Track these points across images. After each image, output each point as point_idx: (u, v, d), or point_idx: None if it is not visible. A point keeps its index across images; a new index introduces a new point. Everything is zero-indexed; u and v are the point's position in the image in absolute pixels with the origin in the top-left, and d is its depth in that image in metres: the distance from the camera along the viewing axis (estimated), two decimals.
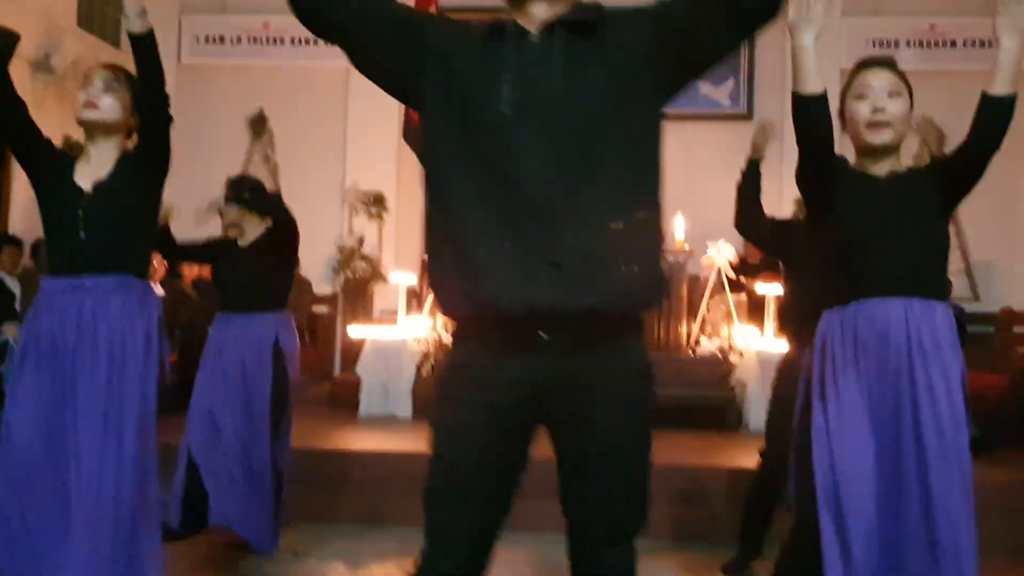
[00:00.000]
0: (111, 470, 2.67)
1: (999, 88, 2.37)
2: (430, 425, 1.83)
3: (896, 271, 2.40)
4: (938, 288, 2.47)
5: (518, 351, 1.72)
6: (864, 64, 2.54)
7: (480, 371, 1.76)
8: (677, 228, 6.96)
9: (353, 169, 8.99)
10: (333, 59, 9.98)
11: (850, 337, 2.41)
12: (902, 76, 2.51)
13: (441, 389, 1.84)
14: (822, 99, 2.35)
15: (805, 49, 2.34)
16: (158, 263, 7.15)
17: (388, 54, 1.82)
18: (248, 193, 4.16)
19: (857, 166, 2.54)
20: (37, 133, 2.88)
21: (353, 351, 7.39)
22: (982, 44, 8.77)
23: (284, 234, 4.08)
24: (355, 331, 7.28)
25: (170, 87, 9.86)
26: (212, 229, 9.13)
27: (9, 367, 4.75)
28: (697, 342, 6.49)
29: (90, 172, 2.87)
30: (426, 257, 1.86)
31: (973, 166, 2.45)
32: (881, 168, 2.49)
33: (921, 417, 2.34)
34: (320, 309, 8.99)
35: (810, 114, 2.36)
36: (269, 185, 9.29)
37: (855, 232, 2.43)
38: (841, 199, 2.45)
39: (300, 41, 9.32)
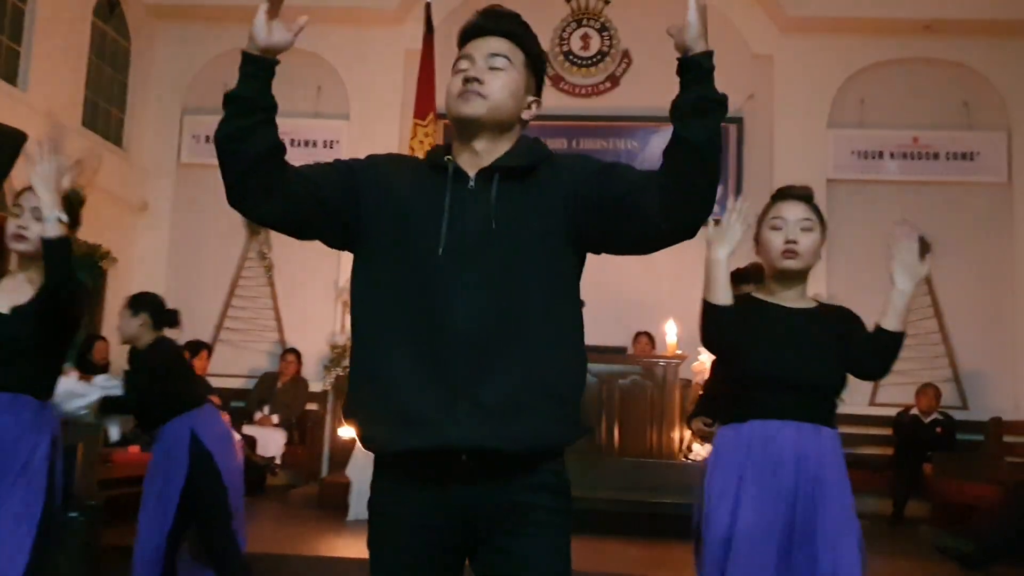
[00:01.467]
0: None
1: (891, 324, 2.64)
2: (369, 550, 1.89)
3: (791, 399, 2.58)
4: (827, 415, 2.65)
5: (439, 481, 1.78)
6: (780, 195, 2.76)
7: (404, 500, 1.82)
8: (669, 333, 7.01)
9: (347, 267, 8.94)
10: (331, 159, 10.19)
11: (743, 453, 2.60)
12: (816, 210, 2.72)
13: (370, 517, 1.89)
14: (729, 310, 2.62)
15: (719, 263, 2.65)
16: None
17: (331, 211, 1.84)
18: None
19: (766, 292, 2.75)
20: None
21: (342, 451, 7.34)
22: (964, 156, 9.01)
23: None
24: (346, 432, 7.24)
25: (170, 186, 10.03)
26: (203, 324, 9.16)
27: None
28: (690, 448, 6.47)
29: (8, 297, 2.91)
30: (348, 390, 1.89)
31: (857, 368, 2.67)
32: (790, 297, 2.70)
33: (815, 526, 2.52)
34: (311, 407, 8.95)
35: (720, 322, 2.64)
36: (264, 282, 9.40)
37: (757, 363, 2.62)
38: (747, 338, 2.64)
39: (300, 143, 9.50)
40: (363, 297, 1.86)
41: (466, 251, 1.77)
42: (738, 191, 9.05)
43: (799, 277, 2.69)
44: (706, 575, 2.59)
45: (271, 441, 8.11)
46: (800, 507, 2.52)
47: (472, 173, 1.84)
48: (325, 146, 9.48)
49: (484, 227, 1.78)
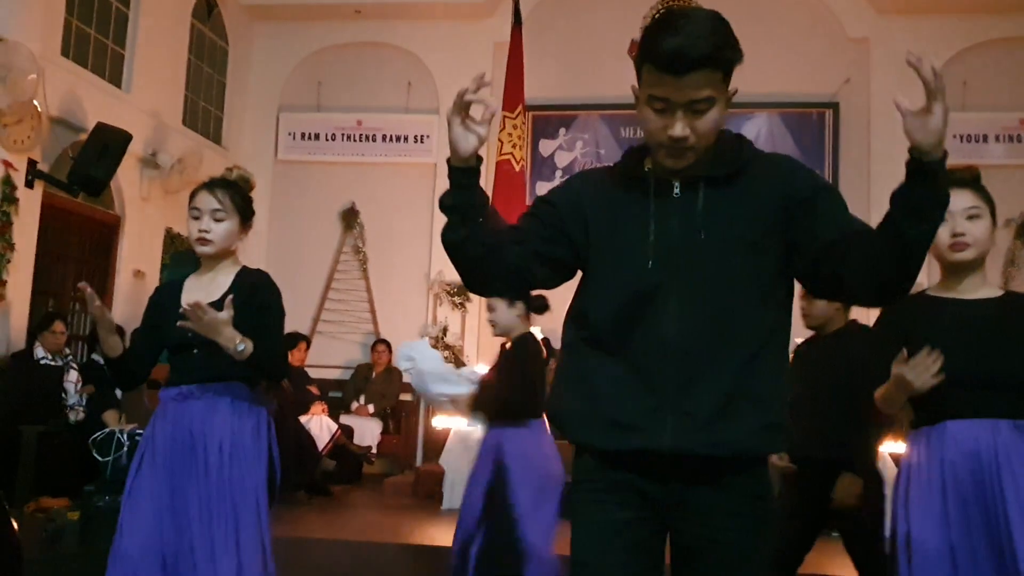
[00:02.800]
0: (230, 568, 2.76)
1: None
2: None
3: (980, 397, 2.39)
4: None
5: (652, 479, 1.81)
6: None
7: (612, 484, 1.84)
8: None
9: (439, 260, 9.16)
10: (421, 155, 10.35)
11: (936, 460, 2.41)
12: (984, 193, 2.53)
13: (572, 503, 1.93)
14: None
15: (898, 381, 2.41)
16: None
17: (551, 259, 1.91)
18: None
19: (941, 288, 2.57)
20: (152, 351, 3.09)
21: (436, 441, 7.44)
22: None
23: None
24: (439, 422, 7.33)
25: (267, 182, 10.26)
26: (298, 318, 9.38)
27: (117, 455, 4.92)
28: None
29: (203, 292, 2.99)
30: (554, 382, 1.95)
31: None
32: (967, 288, 2.52)
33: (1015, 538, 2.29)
34: (405, 397, 9.08)
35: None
36: (359, 275, 9.57)
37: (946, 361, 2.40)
38: (921, 340, 2.43)
39: (391, 138, 9.66)
40: (582, 309, 1.90)
41: (676, 262, 1.78)
42: (835, 178, 8.85)
43: (973, 267, 2.52)
44: None
45: (367, 431, 8.27)
46: (998, 511, 2.33)
47: (676, 181, 1.82)
48: (416, 141, 9.60)
49: (693, 237, 1.78)
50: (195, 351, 2.92)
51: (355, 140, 9.72)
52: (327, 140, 9.78)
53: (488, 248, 1.84)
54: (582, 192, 1.92)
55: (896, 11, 8.81)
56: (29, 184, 6.58)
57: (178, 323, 2.78)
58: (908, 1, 8.71)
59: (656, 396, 1.76)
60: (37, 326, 6.51)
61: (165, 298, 3.06)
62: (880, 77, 8.89)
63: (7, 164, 6.32)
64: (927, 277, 2.72)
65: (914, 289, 2.62)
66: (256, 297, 2.98)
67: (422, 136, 9.60)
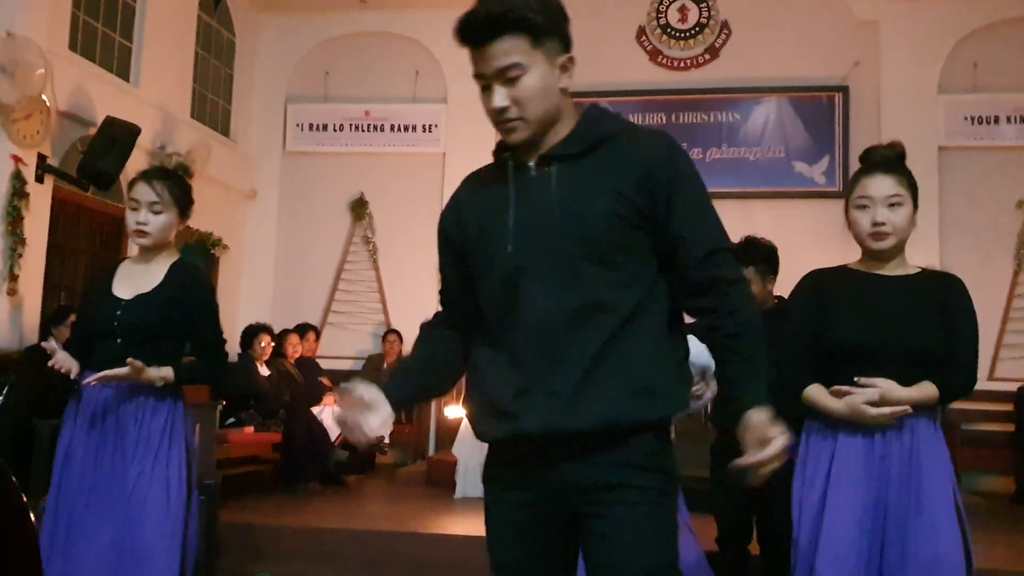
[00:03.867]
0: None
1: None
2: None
3: (889, 370, 2.46)
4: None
5: (526, 466, 1.82)
6: (865, 167, 2.60)
7: (508, 478, 1.88)
8: None
9: None
10: (429, 144, 10.32)
11: (842, 429, 2.51)
12: (906, 178, 2.55)
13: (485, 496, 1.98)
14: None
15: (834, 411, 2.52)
16: (266, 343, 7.38)
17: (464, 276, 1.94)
18: None
19: (862, 263, 2.64)
20: None
21: (448, 430, 7.45)
22: None
23: None
24: (452, 411, 7.34)
25: (276, 173, 10.27)
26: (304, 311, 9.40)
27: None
28: None
29: (135, 282, 3.05)
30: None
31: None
32: (887, 268, 2.59)
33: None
34: None
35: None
36: (369, 265, 9.58)
37: (846, 333, 2.52)
38: (836, 309, 2.56)
39: (399, 128, 9.64)
40: (475, 302, 1.91)
41: (534, 243, 1.77)
42: (845, 163, 8.80)
43: (894, 253, 2.57)
44: (798, 560, 2.52)
45: None
46: (895, 487, 2.43)
47: (531, 161, 1.82)
48: (424, 130, 9.58)
49: (548, 216, 1.77)
50: (118, 340, 2.97)
51: (363, 130, 9.71)
52: (335, 131, 9.77)
53: (453, 373, 1.99)
54: (460, 198, 1.95)
55: None
56: (39, 179, 6.60)
57: (90, 380, 2.88)
58: None
59: (525, 380, 1.75)
60: (51, 320, 6.52)
61: (95, 284, 3.14)
62: (890, 59, 8.83)
63: (17, 159, 6.33)
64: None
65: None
66: (185, 297, 3.04)
67: (430, 125, 9.58)
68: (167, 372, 2.96)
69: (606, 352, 1.73)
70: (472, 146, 9.40)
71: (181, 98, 8.59)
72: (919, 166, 2.77)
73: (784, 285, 6.82)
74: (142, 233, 3.04)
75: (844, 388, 2.46)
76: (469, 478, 6.47)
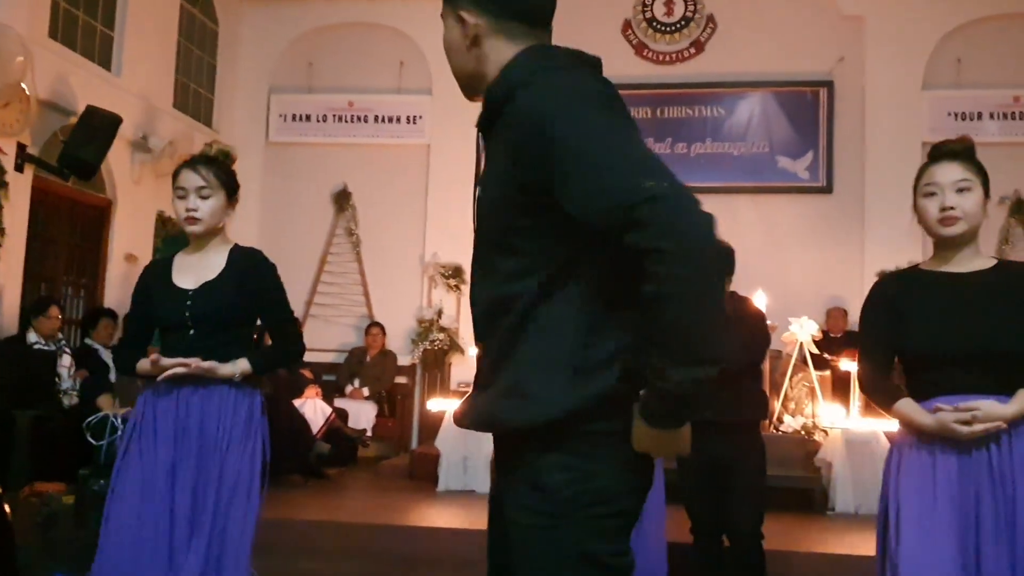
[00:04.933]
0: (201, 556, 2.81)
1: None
2: None
3: (974, 371, 2.36)
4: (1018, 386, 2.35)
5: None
6: (933, 157, 2.52)
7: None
8: (758, 303, 6.89)
9: (433, 242, 9.15)
10: (413, 136, 10.28)
11: (926, 437, 2.41)
12: (976, 165, 2.49)
13: None
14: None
15: (925, 426, 2.40)
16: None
17: None
18: None
19: (933, 261, 2.54)
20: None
21: (431, 423, 7.44)
22: None
23: None
24: (434, 404, 7.33)
25: (258, 164, 10.20)
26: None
27: (111, 439, 4.92)
28: (780, 420, 6.37)
29: (195, 272, 2.99)
30: None
31: None
32: (960, 260, 2.48)
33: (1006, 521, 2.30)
34: (400, 380, 9.08)
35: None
36: (352, 258, 9.54)
37: (923, 340, 2.43)
38: (911, 315, 2.46)
39: (383, 119, 9.60)
40: None
41: (475, 229, 1.71)
42: (829, 157, 8.83)
43: (965, 240, 2.46)
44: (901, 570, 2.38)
45: (362, 414, 8.27)
46: (987, 504, 2.31)
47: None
48: (408, 121, 9.55)
49: (479, 197, 1.69)
50: (190, 331, 2.92)
51: (347, 121, 9.66)
52: (318, 121, 9.72)
53: None
54: None
55: None
56: (19, 168, 6.53)
57: (167, 374, 2.83)
58: None
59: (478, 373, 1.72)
60: (31, 310, 6.47)
61: (153, 278, 3.05)
62: (875, 55, 8.86)
63: None
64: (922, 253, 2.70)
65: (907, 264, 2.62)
66: (252, 281, 2.99)
67: (415, 117, 9.54)
68: (243, 365, 2.91)
69: (506, 346, 1.59)
70: (457, 138, 9.41)
71: (163, 88, 8.52)
72: (903, 162, 2.78)
73: (765, 280, 6.87)
74: (193, 220, 2.97)
75: (942, 407, 2.34)
76: (452, 471, 6.47)
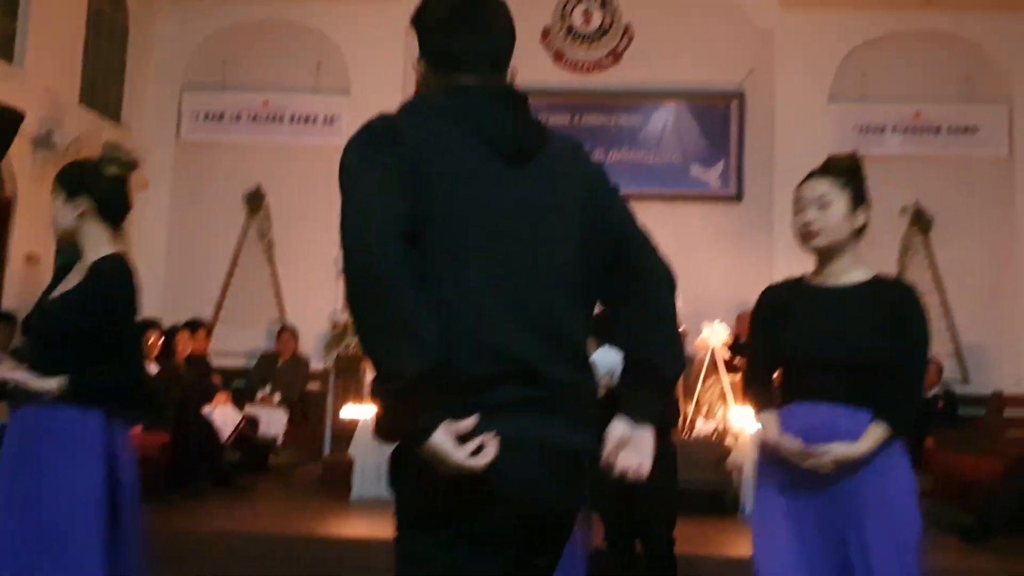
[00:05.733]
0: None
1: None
2: None
3: (830, 379, 2.46)
4: (878, 397, 2.43)
5: None
6: (805, 177, 2.63)
7: None
8: None
9: None
10: (331, 136, 10.15)
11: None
12: (841, 179, 2.54)
13: None
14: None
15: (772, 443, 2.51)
16: (154, 340, 7.15)
17: None
18: None
19: (814, 273, 2.64)
20: None
21: (344, 430, 7.35)
22: (966, 130, 8.97)
23: None
24: (348, 411, 7.24)
25: (169, 163, 9.92)
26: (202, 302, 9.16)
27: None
28: (692, 424, 6.48)
29: (67, 283, 2.84)
30: None
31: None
32: (835, 272, 2.57)
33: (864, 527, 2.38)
34: (312, 386, 8.95)
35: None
36: (264, 260, 9.37)
37: (788, 343, 2.55)
38: (783, 321, 2.58)
39: (299, 119, 9.47)
40: None
41: None
42: (739, 167, 9.03)
43: (836, 253, 2.54)
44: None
45: (273, 420, 8.12)
46: (832, 497, 2.41)
47: None
48: (325, 122, 9.43)
49: None
50: (31, 342, 2.84)
51: (262, 121, 9.50)
52: (232, 120, 9.54)
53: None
54: None
55: (799, 4, 9.01)
56: None
57: None
58: None
59: None
60: None
61: (52, 283, 2.92)
62: (784, 68, 9.09)
63: None
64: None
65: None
66: (95, 299, 2.74)
67: (331, 117, 9.43)
68: (54, 383, 2.68)
69: None
70: None
71: (70, 82, 8.25)
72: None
73: (679, 286, 6.97)
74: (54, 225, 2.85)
75: (790, 445, 2.43)
76: (366, 479, 6.39)
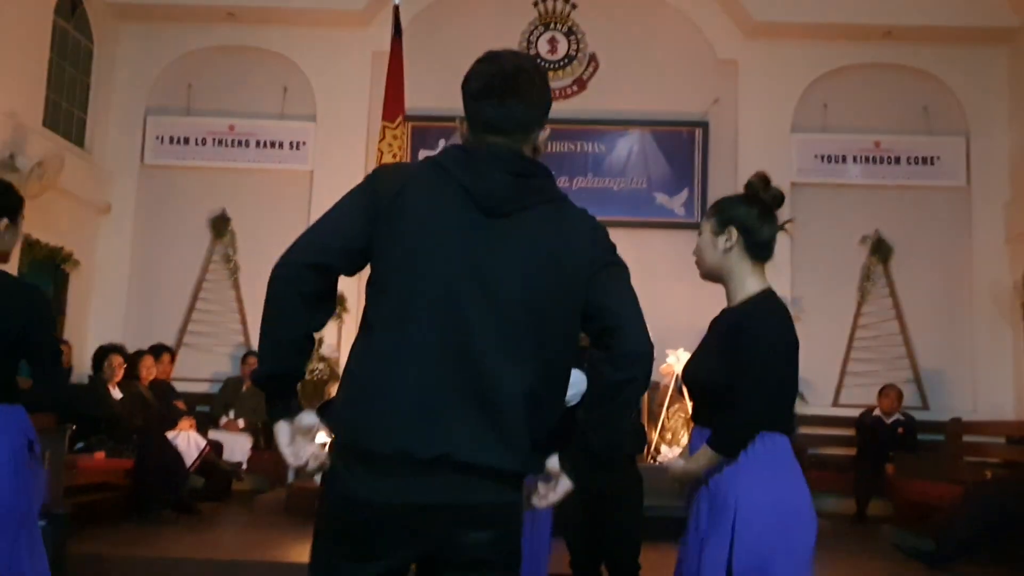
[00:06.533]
0: None
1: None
2: None
3: (695, 399, 2.68)
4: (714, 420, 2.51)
5: None
6: None
7: None
8: None
9: None
10: (296, 162, 10.15)
11: None
12: (712, 209, 2.70)
13: None
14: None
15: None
16: (117, 365, 7.07)
17: None
18: None
19: None
20: None
21: None
22: (924, 161, 9.15)
23: None
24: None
25: (132, 187, 9.85)
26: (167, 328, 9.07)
27: None
28: (658, 451, 6.51)
29: None
30: None
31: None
32: (729, 299, 2.65)
33: None
34: None
35: None
36: (229, 285, 9.31)
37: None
38: None
39: (264, 144, 9.45)
40: None
41: None
42: (703, 195, 9.13)
43: (720, 278, 2.63)
44: None
45: (237, 446, 8.04)
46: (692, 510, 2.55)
47: None
48: (292, 147, 9.43)
49: None
50: None
51: (227, 145, 9.47)
52: (197, 144, 9.50)
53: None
54: None
55: (763, 35, 9.17)
56: None
57: None
58: (774, 26, 9.07)
59: None
60: None
61: None
62: (747, 98, 9.23)
63: None
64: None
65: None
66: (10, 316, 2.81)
67: (298, 143, 9.43)
68: None
69: None
70: (340, 164, 9.34)
71: (33, 105, 8.18)
72: None
73: (644, 313, 7.02)
74: None
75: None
76: None
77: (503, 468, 1.78)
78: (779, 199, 2.61)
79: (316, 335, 1.94)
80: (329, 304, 1.93)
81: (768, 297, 2.55)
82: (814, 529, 2.38)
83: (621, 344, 1.88)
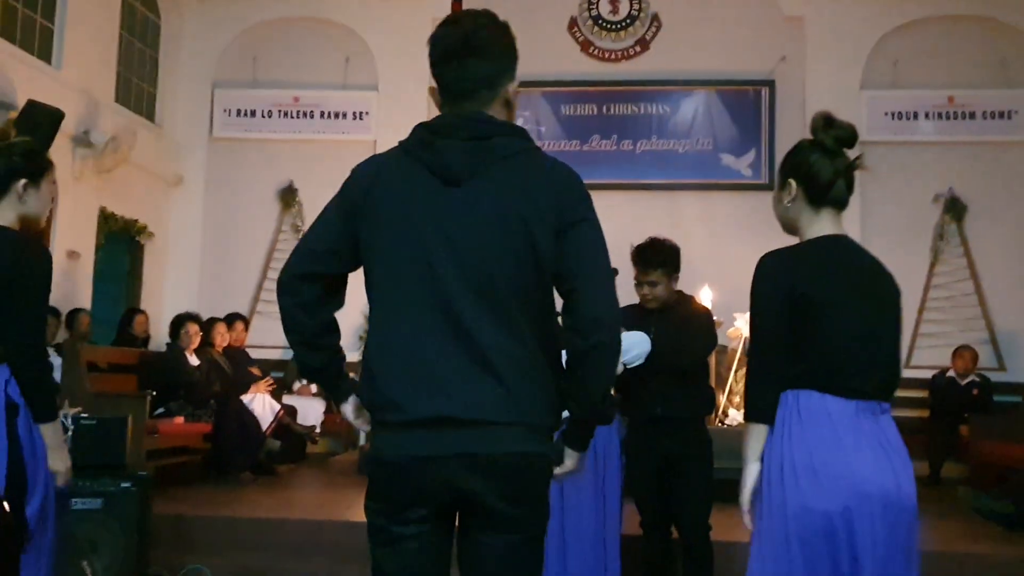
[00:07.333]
0: None
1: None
2: None
3: None
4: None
5: None
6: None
7: None
8: (703, 299, 6.99)
9: None
10: (360, 132, 10.21)
11: None
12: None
13: None
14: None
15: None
16: (194, 332, 7.26)
17: None
18: None
19: None
20: None
21: None
22: (1001, 115, 8.87)
23: None
24: None
25: (202, 159, 10.03)
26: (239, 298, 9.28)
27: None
28: (726, 414, 6.48)
29: None
30: None
31: None
32: None
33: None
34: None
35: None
36: None
37: None
38: None
39: (329, 115, 9.56)
40: None
41: None
42: (771, 155, 8.99)
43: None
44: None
45: (310, 410, 8.23)
46: None
47: None
48: (355, 117, 9.51)
49: None
50: None
51: (292, 117, 9.60)
52: (263, 117, 9.64)
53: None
54: None
55: None
56: None
57: None
58: None
59: None
60: None
61: None
62: (815, 55, 9.04)
63: None
64: None
65: None
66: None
67: (361, 113, 9.51)
68: None
69: None
70: (403, 134, 9.29)
71: (105, 82, 8.39)
72: None
73: (709, 277, 6.98)
74: None
75: None
76: None
77: (497, 420, 1.85)
78: (843, 138, 2.43)
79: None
80: (332, 301, 2.13)
81: (807, 244, 2.39)
82: (840, 493, 2.24)
83: (579, 308, 1.88)
